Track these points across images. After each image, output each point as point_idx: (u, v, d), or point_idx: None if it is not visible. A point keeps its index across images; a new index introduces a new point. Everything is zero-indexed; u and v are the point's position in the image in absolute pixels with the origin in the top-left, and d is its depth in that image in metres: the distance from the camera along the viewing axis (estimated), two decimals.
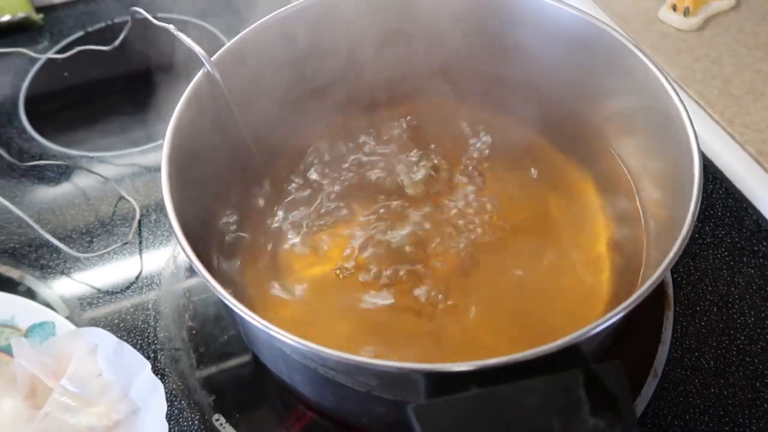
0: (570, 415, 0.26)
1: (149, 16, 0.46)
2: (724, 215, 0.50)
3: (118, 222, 0.52)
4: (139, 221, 0.52)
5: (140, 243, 0.51)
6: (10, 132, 0.60)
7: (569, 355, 0.28)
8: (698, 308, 0.45)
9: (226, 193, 0.44)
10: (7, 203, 0.50)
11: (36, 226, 0.49)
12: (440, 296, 0.40)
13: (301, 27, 0.44)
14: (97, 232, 0.52)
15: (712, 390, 0.41)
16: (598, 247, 0.41)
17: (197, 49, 0.41)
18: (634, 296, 0.29)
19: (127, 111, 0.61)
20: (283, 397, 0.43)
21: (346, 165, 0.45)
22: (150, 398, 0.38)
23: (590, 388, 0.27)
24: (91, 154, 0.57)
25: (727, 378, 0.42)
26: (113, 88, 0.64)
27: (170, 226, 0.33)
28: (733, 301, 0.46)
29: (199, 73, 0.41)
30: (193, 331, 0.46)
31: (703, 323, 0.45)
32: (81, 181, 0.56)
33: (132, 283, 0.49)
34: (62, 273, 0.49)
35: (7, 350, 0.43)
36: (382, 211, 0.43)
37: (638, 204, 0.41)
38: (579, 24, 0.41)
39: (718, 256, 0.48)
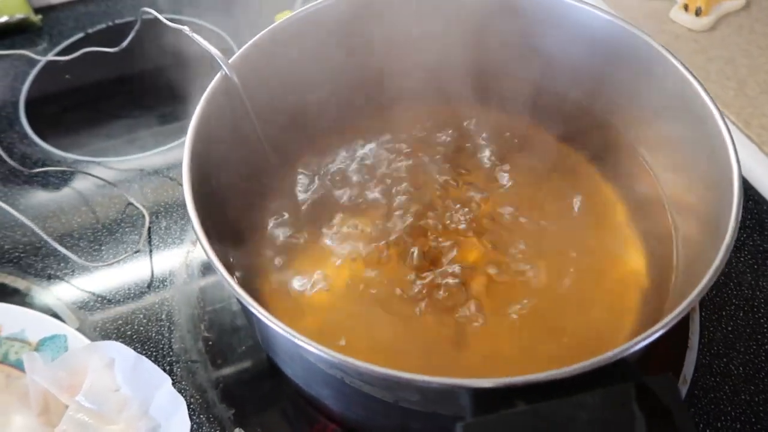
0: (625, 430, 0.25)
1: (162, 18, 0.45)
2: (744, 218, 0.50)
3: (126, 229, 0.51)
4: (149, 228, 0.51)
5: (150, 251, 0.50)
6: (11, 137, 0.58)
7: (616, 368, 0.28)
8: (724, 313, 0.45)
9: (244, 197, 0.42)
10: (11, 210, 0.48)
11: (43, 234, 0.48)
12: (468, 309, 0.39)
13: (320, 28, 0.43)
14: (105, 240, 0.50)
15: (743, 396, 0.41)
16: (628, 259, 0.40)
17: (214, 51, 0.40)
18: (685, 303, 0.28)
19: (133, 114, 0.60)
20: (305, 409, 0.42)
21: (365, 168, 0.44)
22: (171, 415, 0.37)
23: (643, 401, 0.26)
24: (96, 159, 0.56)
25: (757, 384, 0.41)
26: (116, 90, 0.63)
27: (197, 237, 0.32)
28: (759, 305, 0.45)
29: (217, 76, 0.39)
30: (210, 342, 0.44)
31: (729, 328, 0.44)
32: (87, 187, 0.54)
33: (144, 293, 0.47)
34: (71, 283, 0.48)
35: (18, 365, 0.41)
36: (398, 213, 0.42)
37: (668, 216, 0.40)
38: (608, 27, 0.40)
39: (741, 259, 0.48)
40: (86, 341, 0.41)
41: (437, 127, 0.45)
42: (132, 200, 0.52)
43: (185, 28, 0.43)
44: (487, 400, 0.27)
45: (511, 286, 0.39)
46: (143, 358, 0.38)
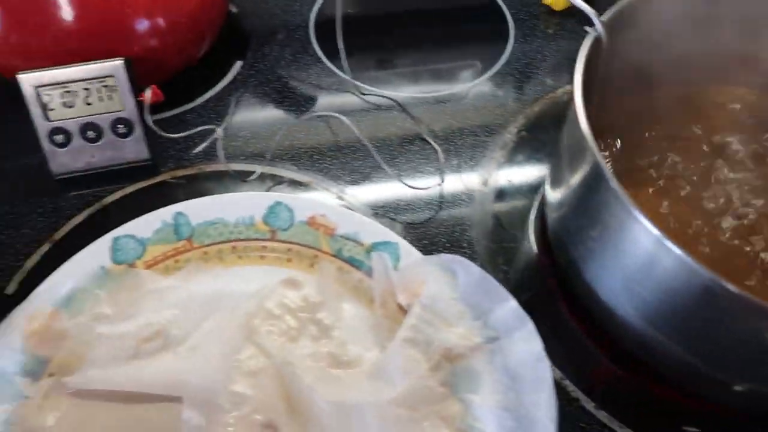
0: None
1: None
2: None
3: (421, 161, 0.55)
4: (443, 164, 0.55)
5: (442, 187, 0.54)
6: (306, 59, 0.63)
7: None
8: None
9: None
10: (341, 117, 0.54)
11: (369, 146, 0.53)
12: None
13: None
14: (404, 168, 0.55)
15: None
16: None
17: (587, 8, 0.42)
18: None
19: (419, 52, 0.64)
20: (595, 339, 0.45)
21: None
22: (513, 330, 0.40)
23: None
24: (383, 92, 0.60)
25: None
26: (400, 25, 0.66)
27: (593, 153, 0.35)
28: None
29: (591, 34, 0.42)
30: (507, 275, 0.48)
31: None
32: (379, 115, 0.58)
33: (444, 221, 0.51)
34: (376, 196, 0.53)
35: (350, 261, 0.46)
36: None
37: None
38: None
39: None
40: (415, 252, 0.46)
41: None
42: (425, 135, 0.56)
43: None
44: None
45: None
46: (488, 275, 0.42)
